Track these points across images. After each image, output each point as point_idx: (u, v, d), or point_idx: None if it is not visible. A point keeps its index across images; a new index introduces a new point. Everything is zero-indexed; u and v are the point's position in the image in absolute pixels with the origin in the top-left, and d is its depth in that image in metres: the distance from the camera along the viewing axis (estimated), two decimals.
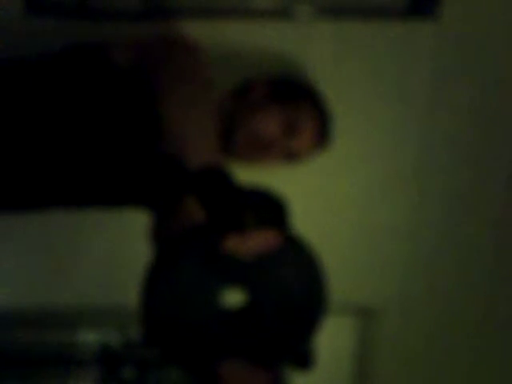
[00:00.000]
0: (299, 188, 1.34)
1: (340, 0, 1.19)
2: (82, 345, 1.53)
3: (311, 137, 1.11)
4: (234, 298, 0.72)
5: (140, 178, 0.97)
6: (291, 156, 1.11)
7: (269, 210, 0.75)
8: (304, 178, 1.32)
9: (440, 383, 1.61)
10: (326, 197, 1.37)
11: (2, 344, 1.51)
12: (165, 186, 0.92)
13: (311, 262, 0.74)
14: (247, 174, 1.06)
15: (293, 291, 0.74)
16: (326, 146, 1.17)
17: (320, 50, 1.23)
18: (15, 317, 1.47)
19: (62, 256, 1.39)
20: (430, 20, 1.21)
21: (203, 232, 0.71)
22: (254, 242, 0.70)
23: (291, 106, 1.08)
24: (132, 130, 0.93)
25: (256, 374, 0.73)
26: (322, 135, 1.14)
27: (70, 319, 1.49)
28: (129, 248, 1.34)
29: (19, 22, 1.17)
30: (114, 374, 1.53)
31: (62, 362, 1.53)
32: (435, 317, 1.52)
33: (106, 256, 1.39)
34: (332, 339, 1.52)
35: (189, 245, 0.71)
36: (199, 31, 1.17)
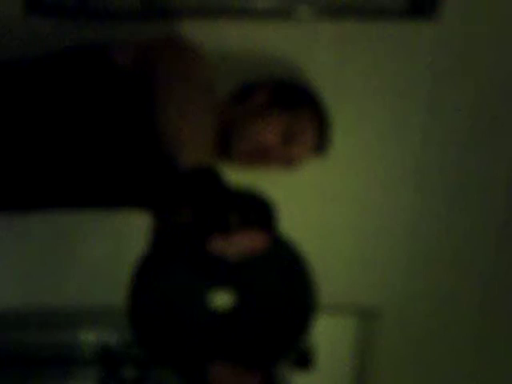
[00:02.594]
0: (299, 188, 1.34)
1: (340, 0, 1.19)
2: (82, 345, 1.53)
3: (310, 145, 1.11)
4: (221, 299, 0.72)
5: (138, 178, 0.97)
6: (290, 163, 1.11)
7: (256, 211, 0.75)
8: (304, 177, 1.32)
9: (440, 383, 1.61)
10: (325, 197, 1.37)
11: (2, 344, 1.51)
12: (161, 186, 0.92)
13: (299, 263, 0.74)
14: (243, 176, 1.07)
15: (281, 292, 0.74)
16: (325, 152, 1.17)
17: (320, 50, 1.23)
18: (15, 317, 1.47)
19: (61, 256, 1.39)
20: (430, 20, 1.21)
21: (190, 233, 0.71)
22: (239, 243, 0.70)
23: (292, 114, 1.08)
24: (131, 131, 0.93)
25: (245, 376, 0.73)
26: (322, 142, 1.14)
27: (70, 319, 1.49)
28: (128, 248, 1.34)
29: (19, 22, 1.17)
30: (113, 374, 1.53)
31: (61, 362, 1.53)
32: (435, 317, 1.52)
33: (106, 256, 1.39)
34: (332, 339, 1.52)
35: (175, 245, 0.71)
36: (199, 31, 1.17)
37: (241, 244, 0.70)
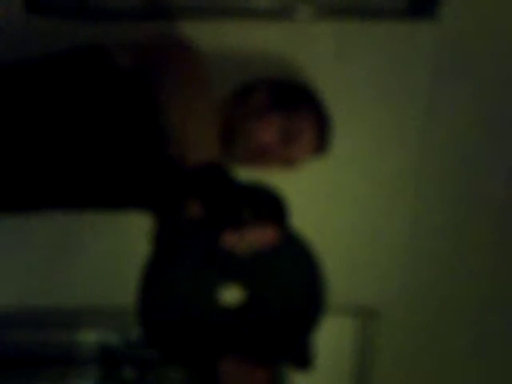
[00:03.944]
0: (299, 188, 1.34)
1: (340, 0, 1.19)
2: (82, 345, 1.53)
3: (309, 145, 1.10)
4: (232, 294, 0.72)
5: (141, 179, 0.97)
6: (290, 163, 1.11)
7: (267, 205, 0.75)
8: (304, 178, 1.32)
9: (440, 383, 1.61)
10: (326, 197, 1.37)
11: (2, 344, 1.51)
12: (166, 186, 0.92)
13: (309, 259, 0.74)
14: (247, 173, 1.07)
15: (291, 288, 0.74)
16: (325, 152, 1.17)
17: (320, 50, 1.23)
18: (15, 317, 1.47)
19: (62, 256, 1.39)
20: (430, 20, 1.21)
21: (202, 228, 0.71)
22: (252, 238, 0.70)
23: (291, 113, 1.07)
24: (133, 132, 0.93)
25: (255, 371, 0.73)
26: (322, 143, 1.14)
27: (70, 319, 1.49)
28: (129, 248, 1.34)
29: (19, 21, 1.17)
30: (114, 374, 1.53)
31: (61, 362, 1.53)
32: (435, 316, 1.52)
33: (106, 256, 1.39)
34: (332, 339, 1.52)
35: (187, 241, 0.71)
36: (199, 31, 1.17)
37: (253, 239, 0.70)
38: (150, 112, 0.86)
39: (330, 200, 1.37)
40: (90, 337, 1.53)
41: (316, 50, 1.23)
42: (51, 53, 0.99)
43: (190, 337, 0.73)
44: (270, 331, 0.75)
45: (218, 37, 1.20)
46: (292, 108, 1.08)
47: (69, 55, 0.97)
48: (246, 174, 1.03)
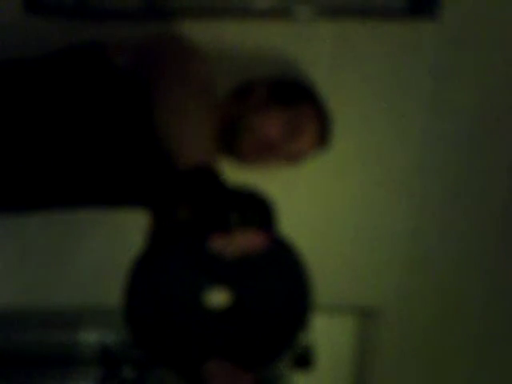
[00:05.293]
0: (299, 188, 1.34)
1: (340, 0, 1.19)
2: (82, 345, 1.53)
3: (312, 139, 1.11)
4: (219, 298, 0.72)
5: (136, 177, 0.97)
6: (292, 158, 1.12)
7: (255, 210, 0.75)
8: (304, 178, 1.32)
9: (440, 383, 1.61)
10: (325, 197, 1.37)
11: (2, 344, 1.51)
12: (160, 185, 0.93)
13: (296, 263, 0.74)
14: (244, 176, 1.07)
15: (278, 292, 0.74)
16: (326, 148, 1.18)
17: (320, 50, 1.23)
18: (15, 317, 1.47)
19: (61, 256, 1.39)
20: (430, 20, 1.21)
21: (189, 231, 0.71)
22: (239, 243, 0.70)
23: (292, 108, 1.08)
24: (129, 130, 0.93)
25: (241, 375, 0.73)
26: (323, 137, 1.14)
27: (70, 319, 1.49)
28: (128, 248, 1.33)
29: (19, 22, 1.17)
30: (113, 374, 1.53)
31: (62, 362, 1.53)
32: (435, 316, 1.52)
33: (106, 256, 1.39)
34: (332, 339, 1.52)
35: (175, 244, 0.71)
36: (199, 31, 1.17)
37: (240, 243, 0.70)
38: (147, 111, 0.85)
39: (329, 200, 1.37)
40: (90, 337, 1.53)
41: (316, 50, 1.23)
42: (48, 52, 0.99)
43: (175, 339, 0.73)
44: (256, 334, 0.75)
45: (217, 37, 1.20)
46: (292, 103, 1.09)
47: (66, 53, 0.97)
48: (238, 177, 1.03)
